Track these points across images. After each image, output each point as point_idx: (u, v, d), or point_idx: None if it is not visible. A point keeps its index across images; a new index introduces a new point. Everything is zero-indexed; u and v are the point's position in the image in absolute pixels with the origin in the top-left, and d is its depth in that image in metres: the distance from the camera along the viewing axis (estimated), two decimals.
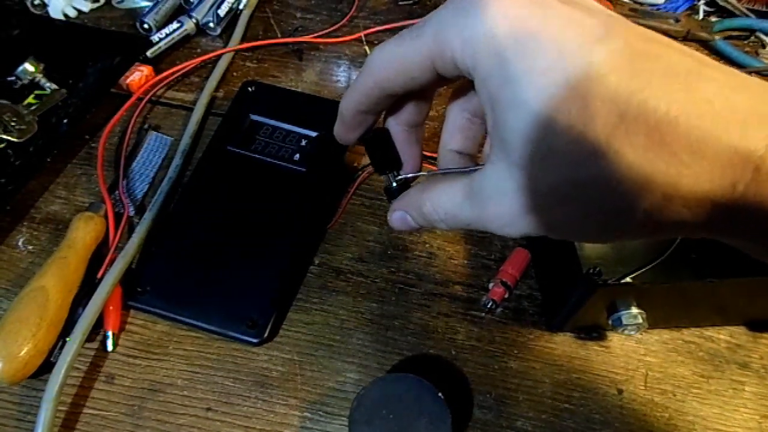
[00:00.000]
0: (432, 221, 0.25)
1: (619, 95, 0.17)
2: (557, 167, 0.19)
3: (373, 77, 0.24)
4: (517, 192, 0.20)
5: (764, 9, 0.62)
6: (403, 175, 0.28)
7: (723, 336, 0.43)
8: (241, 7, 0.60)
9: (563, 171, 0.19)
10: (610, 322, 0.40)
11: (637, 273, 0.39)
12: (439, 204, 0.24)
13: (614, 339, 0.42)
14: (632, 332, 0.40)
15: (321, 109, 0.50)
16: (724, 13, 0.64)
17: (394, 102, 0.26)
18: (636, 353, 0.42)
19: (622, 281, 0.38)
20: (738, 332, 0.43)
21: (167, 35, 0.56)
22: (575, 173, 0.19)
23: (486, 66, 0.20)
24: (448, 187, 0.24)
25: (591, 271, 0.36)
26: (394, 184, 0.27)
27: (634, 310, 0.38)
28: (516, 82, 0.19)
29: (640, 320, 0.39)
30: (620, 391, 0.40)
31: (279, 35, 0.60)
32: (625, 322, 0.39)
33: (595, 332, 0.42)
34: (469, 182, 0.23)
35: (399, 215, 0.27)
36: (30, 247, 0.44)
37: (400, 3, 0.64)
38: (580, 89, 0.18)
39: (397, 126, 0.27)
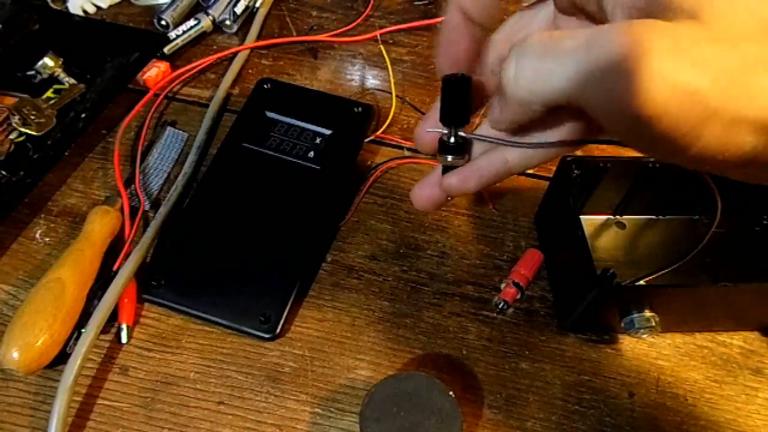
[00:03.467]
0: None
1: None
2: None
3: None
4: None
5: None
6: (466, 134, 0.25)
7: (736, 341, 0.42)
8: (257, 5, 0.61)
9: None
10: (622, 324, 0.39)
11: (651, 276, 0.39)
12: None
13: (626, 342, 0.42)
14: (644, 335, 0.40)
15: (335, 108, 0.50)
16: None
17: None
18: (648, 357, 0.41)
19: (636, 284, 0.38)
20: (751, 338, 0.42)
21: (184, 32, 0.57)
22: None
23: None
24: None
25: (605, 272, 0.36)
26: (452, 139, 0.26)
27: (648, 313, 0.38)
28: None
29: (653, 323, 0.38)
30: (631, 395, 0.40)
31: (294, 33, 0.60)
32: (637, 324, 0.39)
33: (606, 335, 0.42)
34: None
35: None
36: (47, 239, 0.44)
37: (416, 3, 0.64)
38: None
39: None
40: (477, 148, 0.27)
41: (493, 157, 0.26)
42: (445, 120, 0.25)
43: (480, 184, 0.27)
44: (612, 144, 0.27)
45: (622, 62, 0.16)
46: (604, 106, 0.17)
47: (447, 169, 0.27)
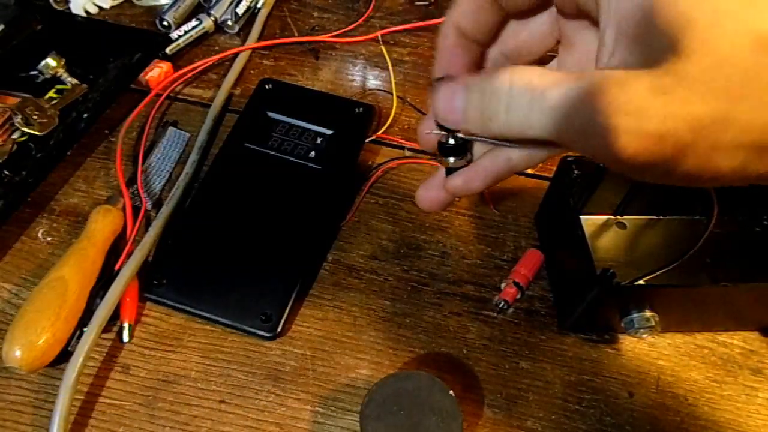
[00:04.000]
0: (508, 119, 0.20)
1: None
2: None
3: None
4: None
5: None
6: (465, 136, 0.25)
7: (736, 341, 0.42)
8: (259, 5, 0.61)
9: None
10: (622, 324, 0.40)
11: (651, 276, 0.39)
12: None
13: (626, 342, 0.42)
14: (645, 335, 0.40)
15: (337, 108, 0.50)
16: None
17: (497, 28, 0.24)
18: (648, 356, 0.42)
19: (636, 284, 0.38)
20: (751, 338, 0.43)
21: (186, 32, 0.57)
22: None
23: None
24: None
25: (605, 272, 0.36)
26: (452, 141, 0.25)
27: (648, 313, 0.38)
28: None
29: (653, 323, 0.38)
30: (631, 394, 0.40)
31: (296, 34, 0.60)
32: (637, 324, 0.39)
33: (607, 334, 0.42)
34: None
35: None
36: (49, 239, 0.45)
37: (417, 3, 0.64)
38: None
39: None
40: (479, 148, 0.27)
41: (496, 157, 0.27)
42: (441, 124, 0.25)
43: (485, 184, 0.27)
44: None
45: (595, 119, 0.17)
46: (584, 150, 0.19)
47: (450, 170, 0.27)
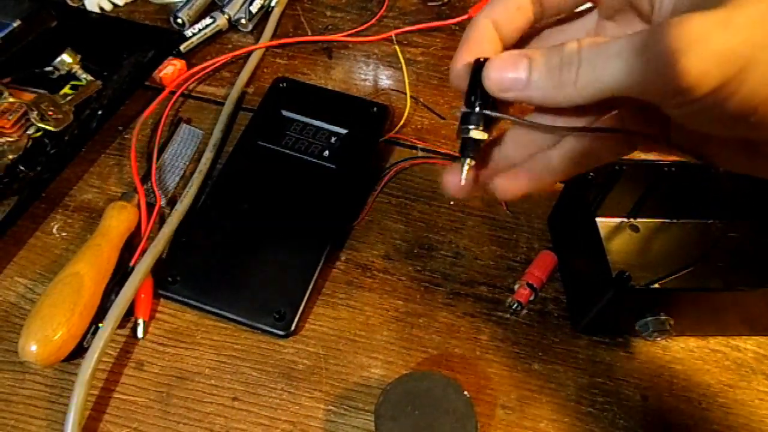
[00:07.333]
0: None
1: None
2: None
3: None
4: None
5: None
6: (491, 112, 0.25)
7: (750, 346, 0.42)
8: (272, 4, 0.61)
9: None
10: (637, 327, 0.40)
11: (667, 279, 0.39)
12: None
13: (639, 345, 0.42)
14: (658, 338, 0.40)
15: (351, 108, 0.50)
16: None
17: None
18: (661, 360, 0.41)
19: (652, 287, 0.38)
20: (766, 343, 0.42)
21: (200, 30, 0.57)
22: None
23: None
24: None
25: (621, 275, 0.36)
26: (477, 109, 0.25)
27: (662, 317, 0.38)
28: None
29: (668, 327, 0.38)
30: (645, 398, 0.40)
31: (309, 33, 0.60)
32: (652, 328, 0.39)
33: (620, 337, 0.42)
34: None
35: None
36: (64, 234, 0.45)
37: (429, 3, 0.64)
38: None
39: None
40: (515, 152, 0.28)
41: (537, 161, 0.27)
42: (470, 101, 0.25)
43: (528, 188, 0.27)
44: (618, 133, 0.27)
45: (662, 50, 0.18)
46: (650, 88, 0.19)
47: (466, 144, 0.26)
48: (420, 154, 0.51)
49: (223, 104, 0.52)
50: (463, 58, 0.26)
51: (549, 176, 0.27)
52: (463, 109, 0.26)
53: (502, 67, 0.23)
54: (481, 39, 0.25)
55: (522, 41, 0.27)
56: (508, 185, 0.27)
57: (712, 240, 0.46)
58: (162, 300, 0.42)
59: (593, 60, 0.20)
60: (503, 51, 0.26)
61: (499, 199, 0.29)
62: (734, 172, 0.25)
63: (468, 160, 0.26)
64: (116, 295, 0.39)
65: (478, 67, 0.25)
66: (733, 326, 0.42)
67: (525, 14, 0.25)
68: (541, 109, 0.26)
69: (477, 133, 0.25)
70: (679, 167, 0.42)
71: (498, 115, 0.25)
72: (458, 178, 0.26)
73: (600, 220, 0.46)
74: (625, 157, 0.28)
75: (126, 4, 0.61)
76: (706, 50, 0.17)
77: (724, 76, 0.18)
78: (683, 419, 0.39)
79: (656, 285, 0.39)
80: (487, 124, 0.25)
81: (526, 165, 0.27)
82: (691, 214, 0.47)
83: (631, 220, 0.47)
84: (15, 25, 0.53)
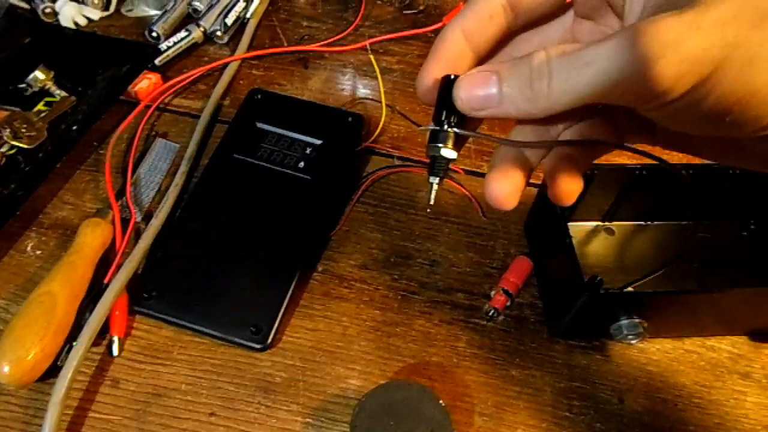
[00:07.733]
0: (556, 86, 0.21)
1: None
2: None
3: None
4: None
5: None
6: (461, 130, 0.24)
7: (725, 346, 0.43)
8: (248, 15, 0.61)
9: None
10: (611, 330, 0.40)
11: (639, 282, 0.39)
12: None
13: (615, 348, 0.42)
14: (633, 341, 0.40)
15: (326, 118, 0.50)
16: None
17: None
18: (637, 362, 0.42)
19: (624, 290, 0.38)
20: (740, 342, 0.43)
21: (175, 43, 0.57)
22: None
23: None
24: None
25: (593, 279, 0.36)
26: (446, 127, 0.24)
27: (636, 319, 0.39)
28: None
29: (642, 329, 0.39)
30: (621, 401, 0.40)
31: (285, 44, 0.60)
32: (626, 331, 0.39)
33: (596, 341, 0.42)
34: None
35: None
36: (38, 252, 0.44)
37: (405, 12, 0.64)
38: None
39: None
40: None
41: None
42: (439, 119, 0.25)
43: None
44: (597, 144, 0.27)
45: (634, 56, 0.18)
46: (624, 93, 0.19)
47: (436, 163, 0.26)
48: (397, 162, 0.52)
49: (199, 117, 0.52)
50: (431, 72, 0.25)
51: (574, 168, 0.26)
52: (432, 126, 0.25)
53: (471, 85, 0.23)
54: (449, 51, 0.25)
55: (495, 46, 0.26)
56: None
57: (684, 241, 0.46)
58: (138, 316, 0.42)
59: (564, 70, 0.20)
60: (476, 61, 0.26)
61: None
62: (707, 173, 0.25)
63: (437, 180, 0.26)
64: (90, 313, 0.39)
65: (446, 84, 0.24)
66: (707, 327, 0.43)
67: (497, 22, 0.25)
68: (523, 120, 0.26)
69: (447, 152, 0.25)
70: (651, 170, 0.42)
71: (468, 133, 0.25)
72: (504, 185, 0.25)
73: (575, 224, 0.46)
74: (598, 162, 0.28)
75: (101, 18, 0.61)
76: (679, 53, 0.18)
77: (699, 77, 0.18)
78: (660, 421, 0.40)
79: (630, 288, 0.39)
80: (457, 141, 0.25)
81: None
82: (665, 216, 0.47)
83: (607, 223, 0.47)
84: None
